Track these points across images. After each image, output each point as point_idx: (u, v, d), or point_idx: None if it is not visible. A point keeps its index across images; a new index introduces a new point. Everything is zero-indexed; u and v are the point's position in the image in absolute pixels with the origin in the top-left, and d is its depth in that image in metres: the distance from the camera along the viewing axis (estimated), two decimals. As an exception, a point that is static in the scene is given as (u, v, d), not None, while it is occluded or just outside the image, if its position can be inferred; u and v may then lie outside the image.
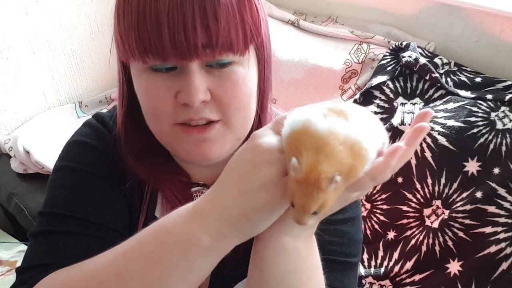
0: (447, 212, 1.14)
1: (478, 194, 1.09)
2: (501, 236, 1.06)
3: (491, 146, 1.11)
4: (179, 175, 0.64)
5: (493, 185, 1.08)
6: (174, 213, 0.46)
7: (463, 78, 1.26)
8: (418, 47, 1.34)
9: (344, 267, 0.61)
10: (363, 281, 1.21)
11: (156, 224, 0.47)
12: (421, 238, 1.16)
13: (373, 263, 1.23)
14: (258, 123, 0.62)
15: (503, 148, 1.10)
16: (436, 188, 1.16)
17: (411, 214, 1.20)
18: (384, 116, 1.27)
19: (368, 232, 1.26)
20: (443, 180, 1.15)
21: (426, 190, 1.18)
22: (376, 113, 1.28)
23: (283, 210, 0.43)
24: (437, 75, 1.23)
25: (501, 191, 1.07)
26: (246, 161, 0.43)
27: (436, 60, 1.31)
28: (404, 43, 1.33)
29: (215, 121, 0.55)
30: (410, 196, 1.20)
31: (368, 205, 1.27)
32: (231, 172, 0.44)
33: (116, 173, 0.62)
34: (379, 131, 0.43)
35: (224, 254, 0.46)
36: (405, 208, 1.20)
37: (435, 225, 1.14)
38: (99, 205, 0.59)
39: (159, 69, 0.52)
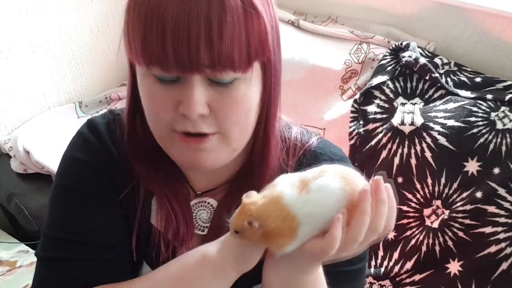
0: (447, 212, 1.14)
1: (478, 194, 1.09)
2: (501, 236, 1.06)
3: (491, 146, 1.11)
4: (177, 182, 0.65)
5: (493, 185, 1.08)
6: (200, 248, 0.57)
7: (463, 78, 1.26)
8: (418, 47, 1.34)
9: (348, 277, 0.63)
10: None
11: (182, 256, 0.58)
12: (421, 238, 1.16)
13: (373, 263, 1.23)
14: (264, 135, 0.61)
15: (503, 148, 1.10)
16: (436, 188, 1.16)
17: (411, 214, 1.20)
18: (384, 116, 1.27)
19: (368, 232, 1.26)
20: (443, 180, 1.15)
21: (426, 190, 1.18)
22: (376, 113, 1.28)
23: (261, 249, 0.53)
24: (437, 75, 1.23)
25: (501, 191, 1.07)
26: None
27: (436, 60, 1.31)
28: (404, 43, 1.33)
29: (212, 133, 0.55)
30: (410, 196, 1.20)
31: (368, 205, 1.27)
32: None
33: (110, 185, 0.63)
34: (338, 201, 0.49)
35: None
36: (405, 208, 1.20)
37: (435, 225, 1.14)
38: (98, 225, 0.62)
39: (162, 79, 0.52)
